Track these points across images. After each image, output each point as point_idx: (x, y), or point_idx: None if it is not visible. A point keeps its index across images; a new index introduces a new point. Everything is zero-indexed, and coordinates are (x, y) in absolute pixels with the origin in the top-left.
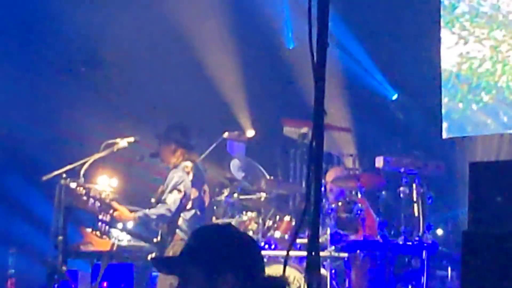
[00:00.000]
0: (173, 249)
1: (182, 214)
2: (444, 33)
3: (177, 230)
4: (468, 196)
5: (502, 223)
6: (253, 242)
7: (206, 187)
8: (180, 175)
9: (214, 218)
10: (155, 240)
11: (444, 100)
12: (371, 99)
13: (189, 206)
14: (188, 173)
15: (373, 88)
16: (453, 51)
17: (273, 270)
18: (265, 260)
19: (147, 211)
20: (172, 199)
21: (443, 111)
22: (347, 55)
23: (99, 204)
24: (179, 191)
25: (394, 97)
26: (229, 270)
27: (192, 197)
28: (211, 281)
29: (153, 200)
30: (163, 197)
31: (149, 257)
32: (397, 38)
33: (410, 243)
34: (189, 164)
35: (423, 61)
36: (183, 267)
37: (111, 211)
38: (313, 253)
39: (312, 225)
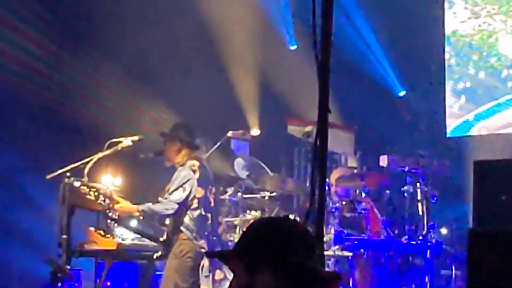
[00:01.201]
0: (180, 248)
1: (188, 213)
2: (459, 8)
3: (184, 229)
4: (473, 194)
5: (507, 221)
6: (304, 236)
7: (212, 187)
8: (186, 174)
9: (219, 217)
10: (161, 239)
11: (456, 67)
12: (377, 96)
13: (195, 205)
14: (195, 172)
15: (381, 83)
16: (466, 24)
17: None
18: None
19: (150, 205)
20: (178, 196)
21: (455, 76)
22: (355, 46)
23: (108, 201)
24: (185, 189)
25: (402, 93)
26: (267, 266)
27: (198, 196)
28: (249, 276)
29: (160, 198)
30: (167, 193)
31: (154, 256)
32: (406, 30)
33: (414, 242)
34: (196, 163)
35: (429, 60)
36: (231, 262)
37: (112, 205)
38: (317, 252)
39: (316, 224)
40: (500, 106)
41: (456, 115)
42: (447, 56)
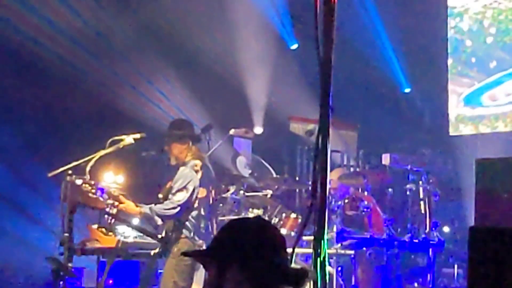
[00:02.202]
0: (177, 247)
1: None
2: None
3: (183, 229)
4: (475, 192)
5: (509, 219)
6: (273, 235)
7: (212, 186)
8: (189, 173)
9: (219, 216)
10: (159, 236)
11: (469, 42)
12: (381, 93)
13: (195, 204)
14: (197, 171)
15: (384, 79)
16: (478, 3)
17: None
18: None
19: (153, 206)
20: (181, 197)
21: (469, 50)
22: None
23: (107, 197)
24: (188, 190)
25: (407, 90)
26: (235, 264)
27: (200, 196)
28: (219, 274)
29: (160, 196)
30: (170, 194)
31: (152, 253)
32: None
33: (417, 240)
34: (198, 162)
35: (434, 56)
36: (205, 260)
37: (117, 204)
38: (319, 251)
39: (318, 222)
40: (508, 76)
41: (468, 84)
42: (460, 32)
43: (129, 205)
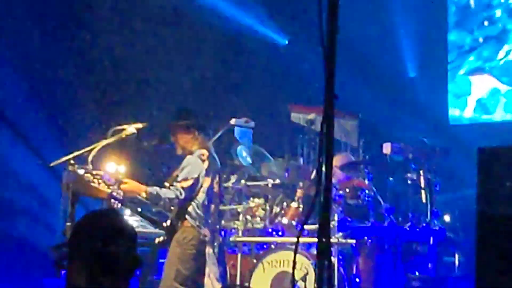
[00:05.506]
0: (183, 235)
1: (193, 202)
2: None
3: (187, 217)
4: (477, 181)
5: (511, 207)
6: (109, 225)
7: (218, 175)
8: (195, 162)
9: (221, 205)
10: (164, 224)
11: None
12: (382, 82)
13: (200, 194)
14: (203, 161)
15: (386, 67)
16: None
17: (281, 257)
18: (272, 246)
19: (158, 189)
20: (185, 184)
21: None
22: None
23: (113, 180)
24: (193, 178)
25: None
26: (76, 257)
27: (204, 185)
28: (68, 270)
29: (167, 184)
30: (175, 181)
31: (156, 241)
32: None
33: (418, 229)
34: (205, 152)
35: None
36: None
37: (119, 185)
38: (323, 240)
39: (322, 212)
40: None
41: None
42: None
43: (132, 183)
